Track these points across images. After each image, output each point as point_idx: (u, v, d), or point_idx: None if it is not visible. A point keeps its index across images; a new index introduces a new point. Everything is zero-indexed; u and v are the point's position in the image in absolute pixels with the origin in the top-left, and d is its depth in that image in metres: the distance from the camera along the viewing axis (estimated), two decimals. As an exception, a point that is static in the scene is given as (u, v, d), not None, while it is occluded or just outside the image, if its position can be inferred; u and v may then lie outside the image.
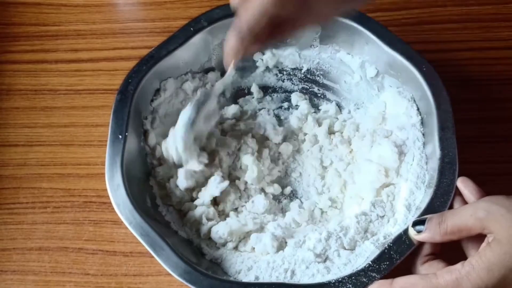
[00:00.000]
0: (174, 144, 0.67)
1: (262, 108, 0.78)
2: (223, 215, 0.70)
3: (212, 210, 0.68)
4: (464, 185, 0.61)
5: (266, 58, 0.78)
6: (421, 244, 0.59)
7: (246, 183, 0.72)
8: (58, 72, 0.83)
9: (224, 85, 0.71)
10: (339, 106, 0.78)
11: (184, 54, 0.73)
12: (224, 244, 0.66)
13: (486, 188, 0.60)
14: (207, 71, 0.77)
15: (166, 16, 0.87)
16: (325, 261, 0.62)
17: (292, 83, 0.80)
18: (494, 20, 0.84)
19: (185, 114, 0.66)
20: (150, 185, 0.68)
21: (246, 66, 0.79)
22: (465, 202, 0.61)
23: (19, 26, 0.86)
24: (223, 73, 0.78)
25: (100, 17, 0.87)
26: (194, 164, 0.68)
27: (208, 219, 0.67)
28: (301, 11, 0.53)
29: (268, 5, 0.51)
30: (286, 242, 0.65)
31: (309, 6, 0.53)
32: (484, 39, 0.83)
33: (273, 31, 0.55)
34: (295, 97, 0.78)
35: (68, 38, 0.85)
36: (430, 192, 0.62)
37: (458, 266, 0.52)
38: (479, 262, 0.51)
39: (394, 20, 0.84)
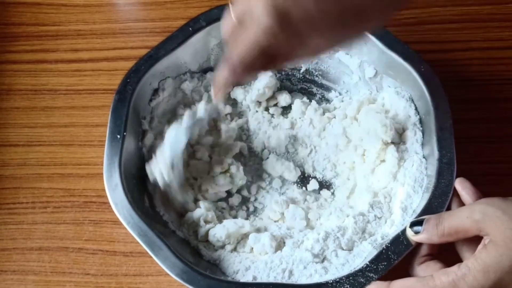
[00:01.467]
0: (161, 170, 0.66)
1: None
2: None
3: (211, 213, 0.68)
4: (461, 186, 0.61)
5: (264, 58, 0.78)
6: (418, 244, 0.59)
7: None
8: (58, 72, 0.83)
9: (209, 112, 0.71)
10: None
11: (183, 54, 0.73)
12: (222, 247, 0.66)
13: (486, 189, 0.60)
14: (205, 71, 0.77)
15: (166, 16, 0.86)
16: (323, 261, 0.62)
17: (291, 83, 0.79)
18: (494, 20, 0.84)
19: (177, 142, 0.66)
20: (148, 185, 0.68)
21: None
22: (462, 203, 0.61)
23: (19, 26, 0.86)
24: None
25: (100, 17, 0.87)
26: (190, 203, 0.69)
27: (206, 222, 0.67)
28: (294, 44, 0.51)
29: (260, 38, 0.49)
30: (284, 242, 0.65)
31: (302, 39, 0.50)
32: (484, 39, 0.83)
33: (265, 62, 0.53)
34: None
35: (68, 38, 0.85)
36: (427, 196, 0.62)
37: (455, 268, 0.52)
38: (475, 264, 0.51)
39: (394, 20, 0.83)
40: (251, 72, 0.55)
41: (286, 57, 0.53)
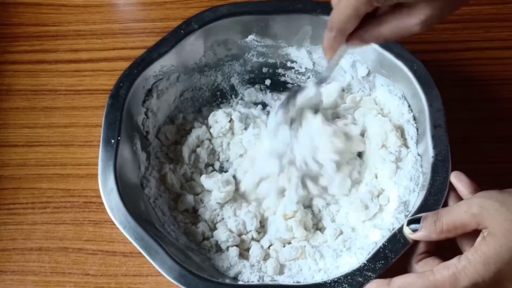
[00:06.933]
0: None
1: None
2: None
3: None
4: (457, 179, 0.61)
5: (257, 59, 0.78)
6: (416, 242, 0.58)
7: None
8: (58, 72, 0.83)
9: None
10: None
11: (175, 57, 0.72)
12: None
13: (486, 189, 0.59)
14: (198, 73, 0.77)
15: (166, 16, 0.87)
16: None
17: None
18: (494, 20, 0.84)
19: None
20: (143, 189, 0.68)
21: None
22: (459, 197, 0.61)
23: (18, 26, 0.87)
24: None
25: (100, 17, 0.87)
26: None
27: None
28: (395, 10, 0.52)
29: (359, 4, 0.51)
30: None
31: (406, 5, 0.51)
32: (484, 39, 0.83)
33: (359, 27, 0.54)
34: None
35: (68, 38, 0.85)
36: (423, 193, 0.62)
37: (454, 261, 0.52)
38: (475, 256, 0.51)
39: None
40: (343, 38, 0.56)
41: (385, 26, 0.53)
